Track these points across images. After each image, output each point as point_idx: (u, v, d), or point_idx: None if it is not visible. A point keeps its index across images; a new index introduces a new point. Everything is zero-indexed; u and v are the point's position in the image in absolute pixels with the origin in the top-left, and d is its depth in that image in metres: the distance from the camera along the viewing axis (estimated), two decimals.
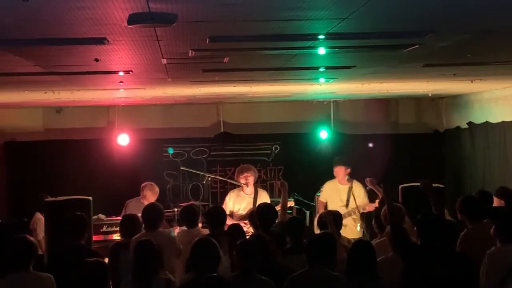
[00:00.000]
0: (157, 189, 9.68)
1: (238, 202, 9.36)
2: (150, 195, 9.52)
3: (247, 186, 9.40)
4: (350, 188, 9.85)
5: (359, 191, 9.82)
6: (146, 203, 9.30)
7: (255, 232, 7.15)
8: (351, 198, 9.76)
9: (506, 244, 5.96)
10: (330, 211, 7.80)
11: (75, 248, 6.55)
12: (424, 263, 5.55)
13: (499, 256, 5.84)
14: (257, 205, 9.09)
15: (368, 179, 8.60)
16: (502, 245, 5.98)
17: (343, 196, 9.84)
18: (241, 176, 9.49)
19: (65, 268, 6.05)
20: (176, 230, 8.20)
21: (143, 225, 7.07)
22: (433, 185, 7.94)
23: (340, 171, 9.97)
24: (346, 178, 9.95)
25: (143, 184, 9.70)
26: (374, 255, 5.44)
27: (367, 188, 9.49)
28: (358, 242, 6.03)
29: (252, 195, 9.38)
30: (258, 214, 7.14)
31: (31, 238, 5.95)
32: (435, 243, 5.76)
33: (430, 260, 5.56)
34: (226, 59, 6.30)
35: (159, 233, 6.82)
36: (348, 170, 9.97)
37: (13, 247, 5.71)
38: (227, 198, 9.52)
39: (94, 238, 8.31)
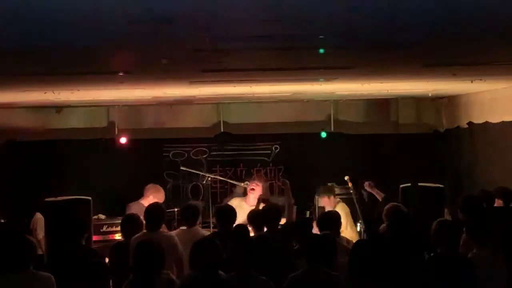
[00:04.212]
0: (162, 192, 9.49)
1: (238, 213, 9.11)
2: (154, 199, 9.25)
3: (249, 194, 9.32)
4: None
5: None
6: None
7: (256, 233, 7.16)
8: None
9: (481, 249, 5.98)
10: (328, 211, 7.76)
11: (75, 248, 6.54)
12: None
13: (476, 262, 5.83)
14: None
15: (366, 182, 8.38)
16: (478, 249, 6.01)
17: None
18: (251, 183, 9.42)
19: (65, 268, 6.06)
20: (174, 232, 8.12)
21: (144, 225, 7.05)
22: (433, 185, 7.93)
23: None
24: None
25: (148, 186, 9.54)
26: (376, 255, 5.43)
27: (367, 191, 9.12)
28: (360, 242, 6.03)
29: (254, 207, 9.20)
30: (263, 216, 7.19)
31: (31, 238, 5.95)
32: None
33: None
34: (226, 59, 6.29)
35: (160, 235, 6.79)
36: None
37: (13, 247, 5.71)
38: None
39: (94, 238, 8.29)
